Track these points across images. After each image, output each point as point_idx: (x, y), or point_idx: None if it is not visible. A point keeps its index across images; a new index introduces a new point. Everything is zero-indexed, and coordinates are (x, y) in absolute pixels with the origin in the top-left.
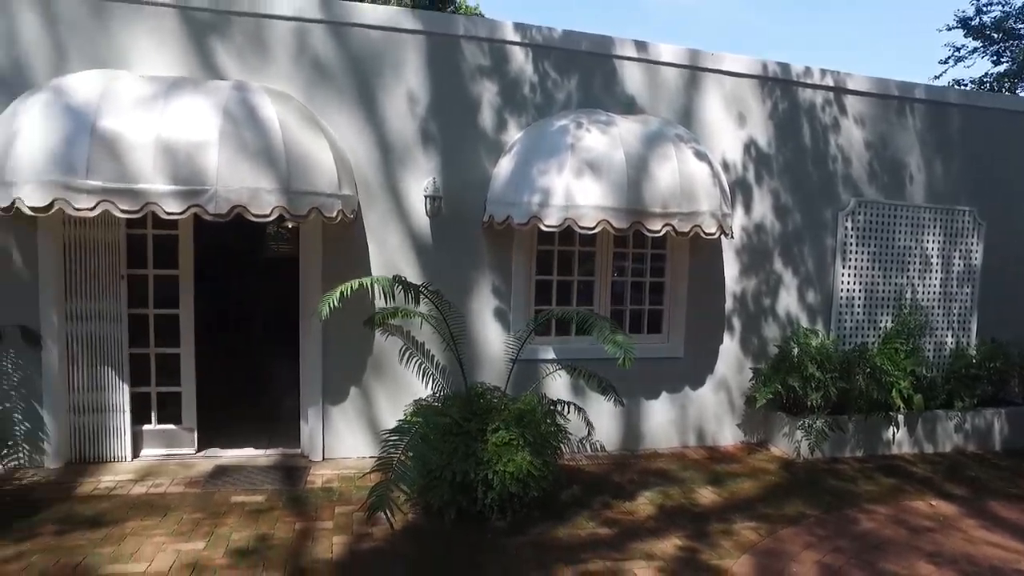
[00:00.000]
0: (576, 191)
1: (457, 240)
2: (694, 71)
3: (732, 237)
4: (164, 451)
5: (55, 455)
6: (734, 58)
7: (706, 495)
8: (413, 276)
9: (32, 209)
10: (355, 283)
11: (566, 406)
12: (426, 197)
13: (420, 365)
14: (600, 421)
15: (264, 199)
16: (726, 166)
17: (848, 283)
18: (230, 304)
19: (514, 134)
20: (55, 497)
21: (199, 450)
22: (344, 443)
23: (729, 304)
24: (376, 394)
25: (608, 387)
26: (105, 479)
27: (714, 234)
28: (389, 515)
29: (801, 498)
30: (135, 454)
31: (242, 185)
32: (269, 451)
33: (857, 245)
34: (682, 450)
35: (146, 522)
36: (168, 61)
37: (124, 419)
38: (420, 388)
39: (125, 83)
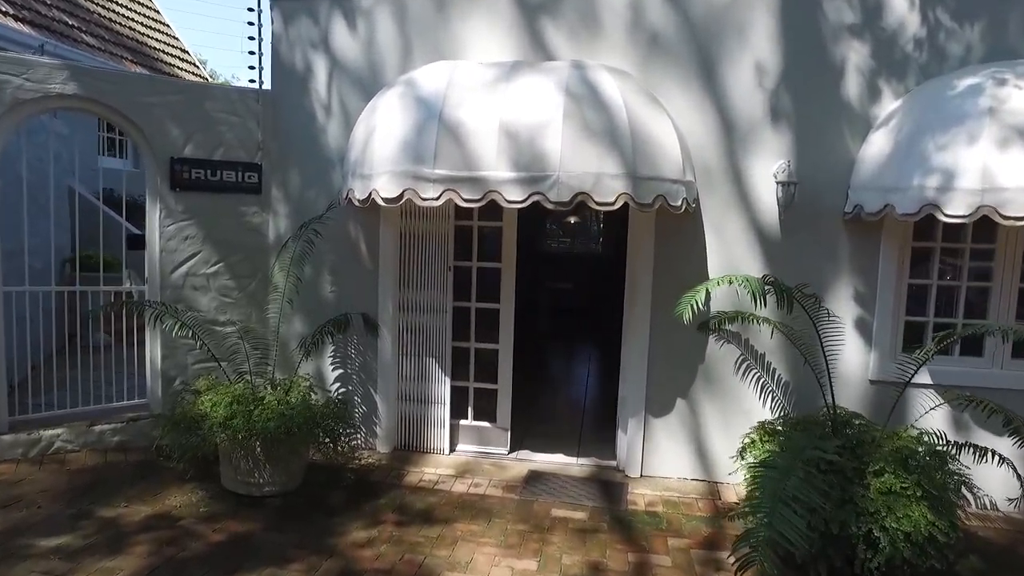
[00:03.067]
0: (998, 169)
1: (809, 233)
2: None
3: None
4: (477, 448)
5: (385, 439)
6: None
7: None
8: (754, 273)
9: (385, 200)
10: (721, 280)
11: (977, 453)
12: (778, 183)
13: (758, 379)
14: (989, 471)
15: (608, 185)
16: None
17: None
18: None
19: (888, 104)
20: (388, 483)
21: (511, 451)
22: (665, 461)
23: None
24: (704, 409)
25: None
26: (428, 471)
27: None
28: (770, 570)
29: None
30: (451, 448)
31: (585, 170)
32: (581, 460)
33: None
34: None
35: (473, 527)
36: (501, 46)
37: (444, 412)
38: (755, 405)
39: (466, 71)
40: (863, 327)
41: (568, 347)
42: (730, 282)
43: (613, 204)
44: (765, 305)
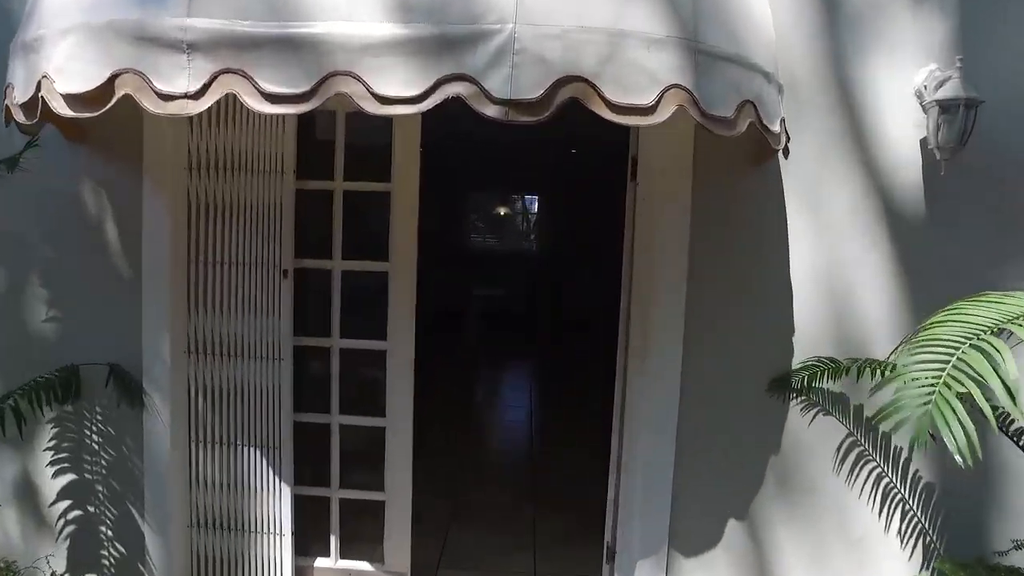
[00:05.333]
0: None
1: (981, 205)
2: None
3: None
4: None
5: None
6: None
7: None
8: (879, 282)
9: (69, 100)
10: None
11: None
12: (926, 106)
13: (879, 480)
14: None
15: (638, 63)
16: None
17: None
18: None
19: None
20: None
21: None
22: None
23: None
24: (777, 536)
25: None
26: None
27: None
28: None
29: None
30: None
31: (580, 22)
32: None
33: None
34: None
35: None
36: None
37: (282, 548)
38: (873, 529)
39: None
40: None
41: (500, 375)
42: None
43: (651, 111)
44: None
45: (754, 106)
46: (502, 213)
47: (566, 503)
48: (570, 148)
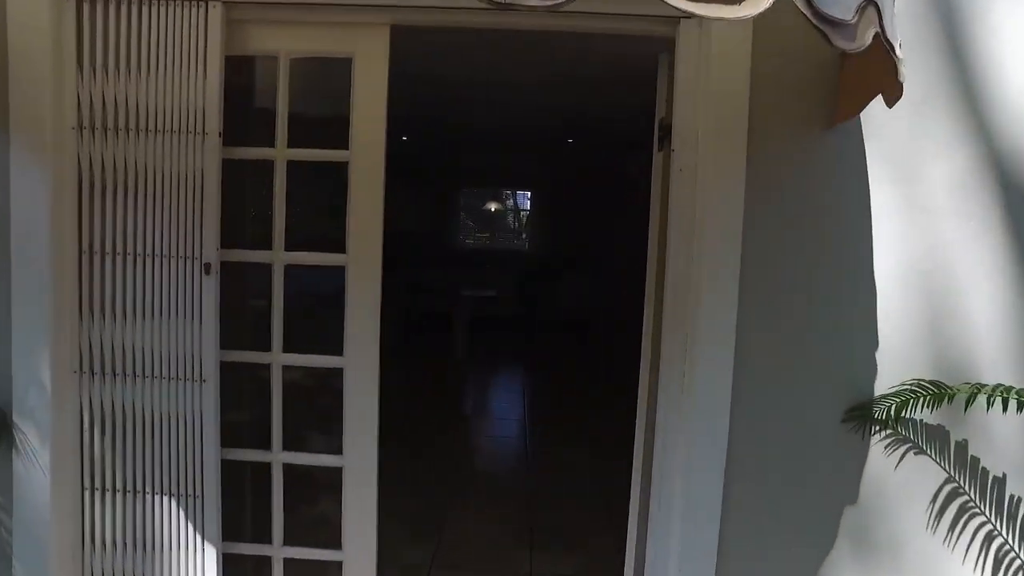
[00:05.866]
0: None
1: None
2: None
3: None
4: None
5: None
6: None
7: None
8: (991, 281)
9: None
10: None
11: None
12: None
13: (990, 539)
14: None
15: None
16: None
17: None
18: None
19: None
20: None
21: None
22: None
23: None
24: None
25: None
26: None
27: None
28: None
29: None
30: None
31: None
32: None
33: None
34: None
35: None
36: None
37: None
38: None
39: None
40: None
41: (488, 380)
42: None
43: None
44: None
45: (877, 10)
46: (493, 209)
47: (568, 541)
48: (567, 138)
